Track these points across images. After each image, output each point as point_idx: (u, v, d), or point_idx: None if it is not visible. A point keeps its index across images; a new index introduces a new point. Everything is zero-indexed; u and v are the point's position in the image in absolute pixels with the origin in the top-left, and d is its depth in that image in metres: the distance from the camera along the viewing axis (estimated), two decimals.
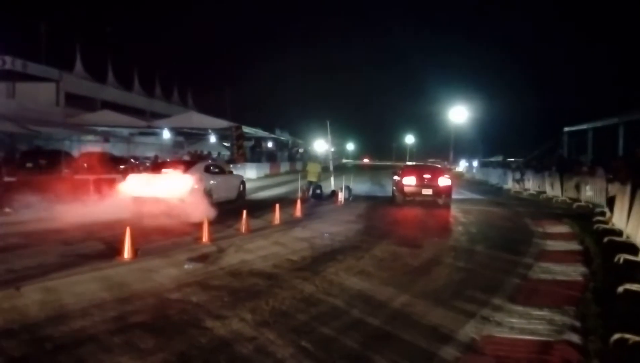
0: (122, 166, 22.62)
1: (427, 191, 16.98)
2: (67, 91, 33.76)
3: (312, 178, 19.29)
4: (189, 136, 38.68)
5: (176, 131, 34.66)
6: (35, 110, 27.90)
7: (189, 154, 27.92)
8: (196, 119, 31.47)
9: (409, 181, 17.20)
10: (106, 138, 30.37)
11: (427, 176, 17.31)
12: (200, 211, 11.88)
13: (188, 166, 15.29)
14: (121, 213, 12.31)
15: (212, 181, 15.18)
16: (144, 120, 33.03)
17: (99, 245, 9.19)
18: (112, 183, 16.47)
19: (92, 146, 27.48)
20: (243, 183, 18.28)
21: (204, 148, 34.58)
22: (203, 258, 8.22)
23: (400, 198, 17.54)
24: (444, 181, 17.19)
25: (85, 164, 20.21)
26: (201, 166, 15.75)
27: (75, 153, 24.67)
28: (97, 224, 11.32)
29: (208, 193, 14.48)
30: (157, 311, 5.62)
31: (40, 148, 24.61)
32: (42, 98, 31.74)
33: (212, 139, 36.90)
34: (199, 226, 9.95)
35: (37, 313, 5.43)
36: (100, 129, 29.91)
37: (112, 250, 8.48)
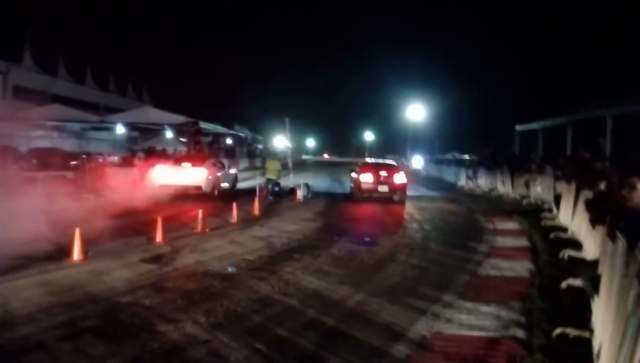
0: (73, 163, 21.85)
1: (383, 188, 17.37)
2: (15, 84, 32.31)
3: (271, 175, 19.19)
4: (144, 132, 37.70)
5: (131, 126, 33.77)
6: None
7: (143, 151, 27.26)
8: (152, 114, 30.71)
9: (366, 179, 17.53)
10: (57, 133, 29.30)
11: (383, 173, 17.67)
12: (214, 194, 17.60)
13: (202, 161, 19.02)
14: (69, 212, 11.94)
15: (218, 174, 18.80)
16: (97, 115, 32.02)
17: (47, 246, 8.87)
18: (62, 180, 15.98)
19: (42, 142, 26.45)
20: (236, 176, 21.80)
21: (159, 144, 33.82)
22: (156, 259, 8.09)
23: (357, 195, 17.81)
24: (399, 178, 17.63)
25: (34, 161, 19.46)
26: (210, 161, 19.65)
27: (24, 148, 23.68)
28: (45, 224, 10.92)
29: (216, 182, 18.30)
30: (108, 315, 5.49)
31: None
32: None
33: (169, 134, 36.14)
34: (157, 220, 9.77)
35: None
36: (50, 123, 28.79)
37: (61, 251, 8.21)
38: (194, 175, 17.73)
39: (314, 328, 5.25)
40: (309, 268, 7.87)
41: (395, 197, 17.58)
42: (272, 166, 19.42)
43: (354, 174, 19.06)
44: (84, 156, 23.48)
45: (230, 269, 7.64)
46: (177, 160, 19.98)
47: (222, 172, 19.72)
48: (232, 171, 22.08)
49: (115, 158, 27.26)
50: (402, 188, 17.57)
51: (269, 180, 19.11)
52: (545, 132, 31.49)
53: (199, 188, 17.51)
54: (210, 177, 18.08)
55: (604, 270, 4.44)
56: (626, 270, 3.31)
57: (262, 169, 19.70)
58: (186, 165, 18.42)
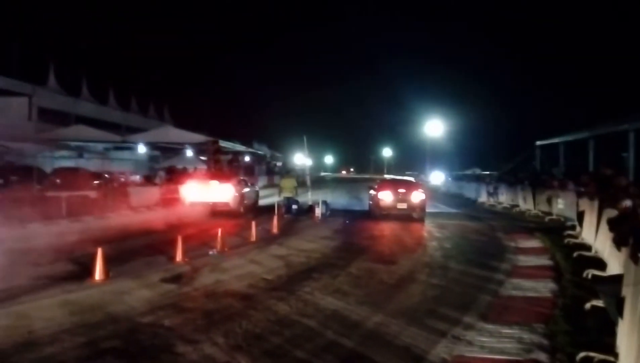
0: (96, 182, 22.24)
1: (402, 206, 17.33)
2: (40, 106, 33.14)
3: (287, 193, 19.24)
4: (165, 151, 38.24)
5: (152, 145, 34.27)
6: (6, 125, 27.26)
7: (164, 170, 27.63)
8: (173, 133, 31.16)
9: (385, 196, 17.50)
10: (80, 153, 29.90)
11: (402, 190, 17.63)
12: (240, 211, 18.31)
13: (229, 178, 19.78)
14: (92, 232, 12.15)
15: (243, 191, 19.55)
16: (119, 135, 32.60)
17: (70, 266, 9.02)
18: (85, 199, 16.27)
19: (66, 162, 26.99)
20: (257, 193, 22.75)
21: (180, 163, 34.24)
22: (176, 279, 8.15)
23: (376, 212, 17.75)
24: (418, 195, 17.53)
25: (58, 181, 19.87)
26: (236, 179, 20.38)
27: (48, 169, 24.20)
28: (68, 244, 11.13)
29: (242, 199, 19.04)
30: (128, 336, 5.54)
31: (11, 164, 24.06)
32: (14, 113, 31.03)
33: (189, 153, 36.58)
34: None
35: (4, 340, 5.31)
36: (74, 144, 29.40)
37: (84, 271, 8.34)
38: (222, 192, 18.35)
39: (332, 350, 5.22)
40: (328, 288, 7.85)
41: (414, 215, 17.48)
42: (288, 184, 19.48)
43: (372, 192, 19.00)
44: (106, 175, 23.86)
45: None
46: (205, 177, 20.57)
47: (247, 189, 20.44)
48: (255, 188, 22.88)
49: (137, 177, 27.70)
50: (422, 205, 17.47)
51: (287, 199, 19.16)
52: (566, 147, 31.01)
53: (226, 204, 18.17)
54: (237, 194, 18.73)
55: (627, 293, 4.34)
56: None
57: (278, 188, 19.76)
58: (214, 182, 18.94)
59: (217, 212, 17.76)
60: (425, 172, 57.93)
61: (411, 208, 17.37)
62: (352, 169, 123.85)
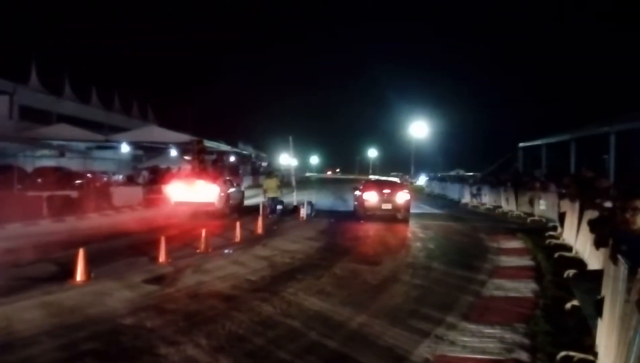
0: (78, 182, 21.97)
1: (387, 206, 17.38)
2: (21, 104, 32.66)
3: (272, 193, 19.21)
4: (149, 150, 37.92)
5: (135, 145, 33.94)
6: None
7: (147, 170, 27.37)
8: (156, 133, 30.89)
9: (369, 197, 17.54)
10: (62, 152, 29.49)
11: (386, 191, 17.71)
12: (225, 212, 18.18)
13: (214, 178, 19.51)
14: (73, 232, 12.00)
15: (229, 191, 19.46)
16: (102, 134, 32.23)
17: (51, 267, 8.90)
18: (66, 199, 16.06)
19: (47, 161, 26.60)
20: (243, 193, 22.54)
21: (163, 162, 33.93)
22: (159, 280, 8.09)
23: (361, 213, 17.79)
24: (402, 196, 17.60)
25: (39, 180, 19.59)
26: (222, 179, 20.25)
27: (29, 168, 23.84)
28: (49, 244, 10.97)
29: (227, 199, 18.93)
30: (109, 337, 5.47)
31: None
32: None
33: (173, 153, 36.30)
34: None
35: None
36: (55, 143, 28.96)
37: (65, 272, 8.22)
38: (207, 193, 18.24)
39: (316, 351, 5.21)
40: (312, 288, 7.85)
41: (398, 215, 17.56)
42: (272, 184, 19.46)
43: (357, 192, 19.04)
44: (88, 175, 23.59)
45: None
46: (191, 177, 20.46)
47: (232, 189, 20.38)
48: (240, 188, 22.79)
49: (119, 177, 27.42)
50: (406, 206, 17.54)
51: (272, 199, 19.12)
52: (548, 149, 31.41)
53: (211, 205, 18.06)
54: (222, 194, 18.66)
55: (606, 294, 4.41)
56: (628, 296, 3.30)
57: (263, 189, 19.71)
58: (200, 183, 18.86)
59: (202, 212, 17.60)
60: (410, 173, 58.32)
61: (396, 208, 17.45)
62: (338, 170, 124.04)
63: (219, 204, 18.24)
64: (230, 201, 19.54)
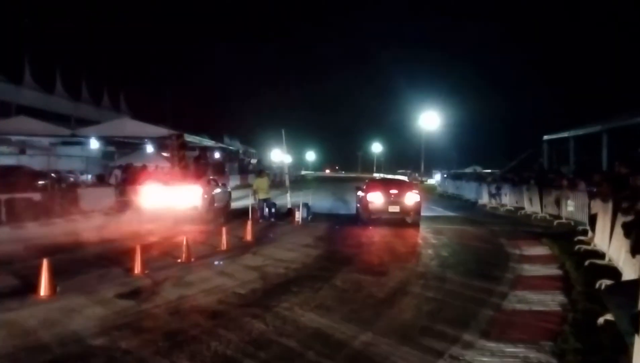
0: (41, 182, 21.92)
1: (394, 209, 17.39)
2: None
3: (264, 194, 19.23)
4: (121, 146, 37.87)
5: (106, 140, 33.90)
6: None
7: (120, 168, 27.33)
8: (130, 126, 30.91)
9: (374, 198, 17.56)
10: (22, 148, 29.43)
11: (393, 191, 17.72)
12: (209, 216, 18.21)
13: (196, 178, 19.83)
14: (36, 240, 11.99)
15: (213, 192, 19.49)
16: (68, 128, 32.19)
17: (11, 280, 8.88)
18: (28, 202, 16.03)
19: (5, 159, 26.55)
20: (230, 194, 22.65)
21: (139, 160, 33.91)
22: (135, 294, 8.09)
23: (364, 217, 17.84)
24: (412, 197, 17.61)
25: None
26: (205, 179, 20.47)
27: None
28: (9, 254, 10.96)
29: (212, 202, 18.96)
30: (79, 360, 5.47)
31: None
32: None
33: (149, 149, 36.28)
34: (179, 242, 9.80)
35: None
36: (14, 138, 28.92)
37: (27, 286, 8.21)
38: (188, 194, 18.22)
39: None
40: (309, 303, 7.85)
41: (407, 219, 17.60)
42: (263, 184, 19.43)
43: (360, 193, 19.10)
44: (53, 175, 23.53)
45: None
46: (169, 178, 20.49)
47: (217, 190, 20.40)
48: (226, 189, 22.84)
49: (88, 177, 27.36)
50: (416, 208, 17.56)
51: (263, 201, 19.12)
52: (577, 142, 31.54)
53: (193, 208, 18.05)
54: (206, 196, 18.67)
55: None
56: None
57: (252, 189, 19.70)
58: (180, 184, 18.89)
59: (182, 217, 17.61)
60: (420, 170, 58.42)
61: (404, 211, 17.45)
62: (337, 167, 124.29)
63: (202, 208, 18.22)
64: (215, 204, 19.55)
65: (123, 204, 20.22)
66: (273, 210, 19.06)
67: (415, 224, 17.40)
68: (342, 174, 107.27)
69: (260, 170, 23.55)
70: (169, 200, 18.09)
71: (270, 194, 19.41)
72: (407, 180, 28.41)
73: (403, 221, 17.59)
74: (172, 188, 18.63)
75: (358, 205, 19.16)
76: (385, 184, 18.91)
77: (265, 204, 19.09)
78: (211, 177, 22.31)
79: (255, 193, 19.33)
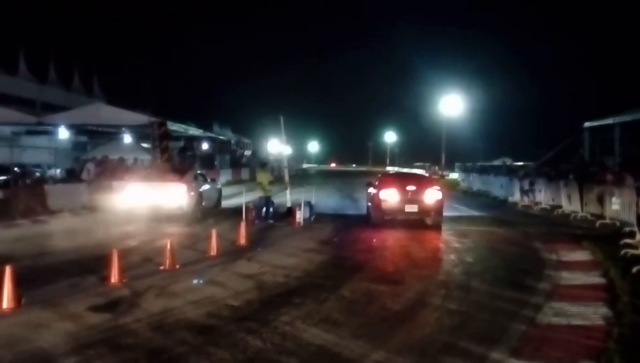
0: (2, 178, 21.97)
1: (412, 208, 17.25)
2: None
3: (262, 191, 19.21)
4: (95, 136, 37.97)
5: (78, 129, 33.98)
6: None
7: (93, 161, 27.40)
8: (105, 112, 30.93)
9: (388, 196, 17.44)
10: None
11: (410, 188, 17.59)
12: (197, 216, 18.45)
13: (181, 174, 19.78)
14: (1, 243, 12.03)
15: (200, 189, 19.63)
16: (33, 115, 32.26)
17: None
18: None
19: None
20: (220, 191, 23.12)
21: (115, 152, 34.01)
22: (111, 307, 8.11)
23: (377, 218, 17.77)
24: (432, 194, 17.48)
25: None
26: (192, 173, 20.51)
27: None
28: None
29: (199, 200, 19.12)
30: None
31: None
32: None
33: (127, 139, 36.36)
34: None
35: None
36: None
37: None
38: (172, 193, 18.23)
39: None
40: (313, 316, 7.87)
41: (427, 220, 17.55)
42: (265, 178, 19.47)
43: (371, 190, 19.02)
44: (16, 169, 23.61)
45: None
46: (151, 174, 20.52)
47: (206, 187, 20.50)
48: (216, 185, 23.20)
49: (57, 172, 27.43)
50: (437, 207, 17.45)
51: (266, 199, 19.09)
52: (623, 130, 31.39)
53: (179, 208, 18.10)
54: (192, 193, 18.70)
55: None
56: None
57: (258, 184, 19.64)
58: (162, 181, 18.88)
59: (165, 218, 17.69)
60: (440, 163, 58.33)
61: (423, 211, 17.35)
62: (333, 164, 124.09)
63: (187, 207, 18.32)
64: (203, 203, 19.65)
65: (97, 203, 20.30)
66: (271, 209, 19.07)
67: (437, 227, 17.35)
68: (348, 168, 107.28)
69: (265, 163, 23.47)
70: (149, 199, 18.06)
71: (270, 191, 19.38)
72: (427, 174, 28.29)
73: (422, 222, 17.55)
74: (153, 184, 18.65)
75: (369, 204, 19.06)
76: (401, 180, 18.79)
77: (266, 202, 19.07)
78: (198, 171, 22.33)
79: (262, 188, 19.26)
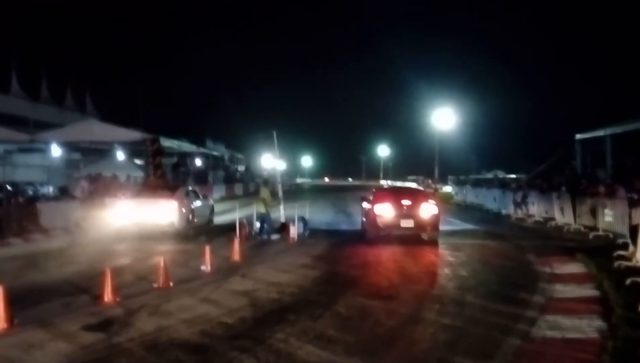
0: None
1: (408, 223, 17.09)
2: None
3: (263, 208, 19.04)
4: (88, 153, 37.95)
5: (70, 146, 33.94)
6: None
7: (86, 179, 27.33)
8: (98, 130, 30.93)
9: (384, 211, 17.29)
10: None
11: (406, 202, 17.43)
12: (189, 233, 18.37)
13: (172, 191, 19.74)
14: None
15: (192, 206, 19.61)
16: (26, 132, 32.23)
17: None
18: None
19: None
20: (212, 207, 23.06)
21: (108, 169, 33.95)
22: (105, 326, 8.06)
23: (372, 233, 17.64)
24: (428, 209, 17.32)
25: None
26: (183, 190, 20.28)
27: None
28: None
29: (191, 217, 19.11)
30: None
31: None
32: None
33: (120, 156, 36.34)
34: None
35: None
36: None
37: None
38: (163, 210, 18.15)
39: None
40: (308, 333, 7.85)
41: (424, 236, 17.35)
42: (266, 195, 19.37)
43: (366, 205, 18.92)
44: (8, 187, 23.55)
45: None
46: (141, 191, 20.38)
47: (197, 203, 20.45)
48: (208, 201, 23.11)
49: (50, 189, 27.36)
50: (434, 222, 17.29)
51: (263, 215, 18.98)
52: (615, 142, 31.55)
53: (170, 225, 18.01)
54: (184, 210, 18.64)
55: None
56: None
57: (262, 200, 19.52)
58: (153, 197, 18.88)
59: (157, 235, 17.64)
60: (434, 176, 58.39)
61: (420, 226, 17.14)
62: (327, 179, 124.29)
63: (179, 224, 18.25)
64: (195, 219, 19.63)
65: (90, 221, 20.22)
66: (265, 225, 19.02)
67: (434, 242, 17.17)
68: (342, 182, 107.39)
69: (266, 179, 23.37)
70: (139, 216, 18.03)
71: (270, 207, 19.29)
72: (422, 188, 28.32)
73: (416, 236, 17.43)
74: (144, 201, 18.66)
75: (364, 219, 18.98)
76: (397, 194, 18.65)
77: (262, 219, 18.96)
78: (190, 188, 22.28)
79: (264, 203, 19.17)
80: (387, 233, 17.41)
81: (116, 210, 18.74)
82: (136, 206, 18.46)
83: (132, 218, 18.01)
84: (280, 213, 20.85)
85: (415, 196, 18.59)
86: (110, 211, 18.98)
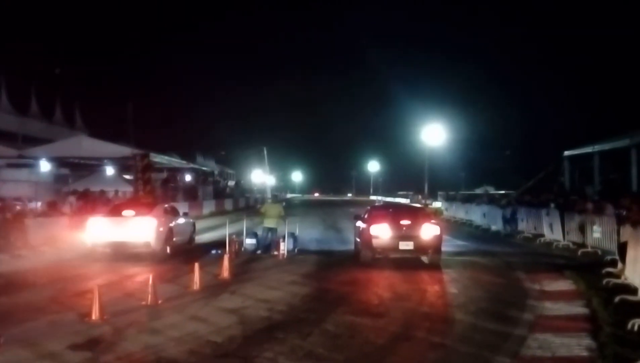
0: None
1: (407, 245, 15.63)
2: None
3: (271, 223, 18.80)
4: (77, 168, 37.81)
5: (59, 161, 33.82)
6: None
7: (75, 194, 27.21)
8: (87, 145, 30.95)
9: (380, 231, 15.80)
10: None
11: (405, 222, 16.13)
12: (166, 252, 17.34)
13: (149, 207, 18.70)
14: None
15: (171, 224, 18.46)
16: (15, 147, 32.11)
17: None
18: None
19: None
20: (194, 225, 21.87)
21: (97, 184, 33.82)
22: (92, 345, 7.99)
23: (367, 256, 16.10)
24: (429, 229, 15.93)
25: None
26: (161, 207, 19.29)
27: None
28: None
29: (169, 236, 17.95)
30: None
31: None
32: None
33: (110, 171, 36.25)
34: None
35: None
36: None
37: None
38: (139, 228, 17.00)
39: None
40: (297, 351, 7.82)
41: (425, 259, 16.04)
42: (273, 211, 19.26)
43: (360, 224, 17.48)
44: None
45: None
46: (116, 208, 19.30)
47: (177, 221, 19.40)
48: (189, 219, 21.95)
49: (38, 205, 27.17)
50: (436, 244, 15.84)
51: (269, 229, 18.86)
52: (603, 159, 31.77)
53: (146, 244, 16.89)
54: (161, 229, 17.53)
55: None
56: None
57: (260, 213, 19.38)
58: (128, 214, 17.87)
59: (131, 256, 16.70)
60: (423, 192, 58.53)
61: (420, 248, 15.69)
62: (317, 194, 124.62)
63: (155, 244, 16.97)
64: (175, 239, 18.47)
65: (79, 237, 20.05)
66: (254, 242, 18.95)
67: (436, 266, 15.75)
68: (332, 197, 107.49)
69: (275, 195, 23.25)
70: (112, 235, 16.94)
71: (277, 223, 19.23)
72: (421, 206, 28.10)
73: (418, 260, 16.17)
74: (117, 219, 17.59)
75: (358, 239, 17.50)
76: (394, 213, 17.25)
77: (271, 233, 18.82)
78: (167, 205, 20.86)
79: (263, 217, 19.08)
80: (384, 256, 15.97)
81: (89, 228, 17.41)
82: (109, 224, 17.35)
83: (105, 237, 16.96)
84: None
85: (415, 215, 17.19)
86: (87, 230, 17.56)
